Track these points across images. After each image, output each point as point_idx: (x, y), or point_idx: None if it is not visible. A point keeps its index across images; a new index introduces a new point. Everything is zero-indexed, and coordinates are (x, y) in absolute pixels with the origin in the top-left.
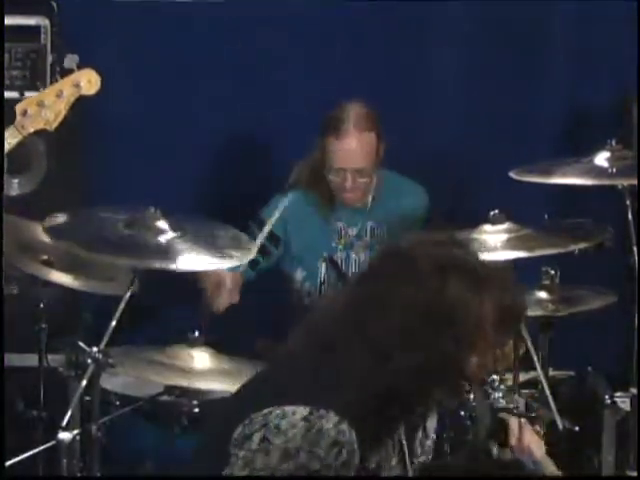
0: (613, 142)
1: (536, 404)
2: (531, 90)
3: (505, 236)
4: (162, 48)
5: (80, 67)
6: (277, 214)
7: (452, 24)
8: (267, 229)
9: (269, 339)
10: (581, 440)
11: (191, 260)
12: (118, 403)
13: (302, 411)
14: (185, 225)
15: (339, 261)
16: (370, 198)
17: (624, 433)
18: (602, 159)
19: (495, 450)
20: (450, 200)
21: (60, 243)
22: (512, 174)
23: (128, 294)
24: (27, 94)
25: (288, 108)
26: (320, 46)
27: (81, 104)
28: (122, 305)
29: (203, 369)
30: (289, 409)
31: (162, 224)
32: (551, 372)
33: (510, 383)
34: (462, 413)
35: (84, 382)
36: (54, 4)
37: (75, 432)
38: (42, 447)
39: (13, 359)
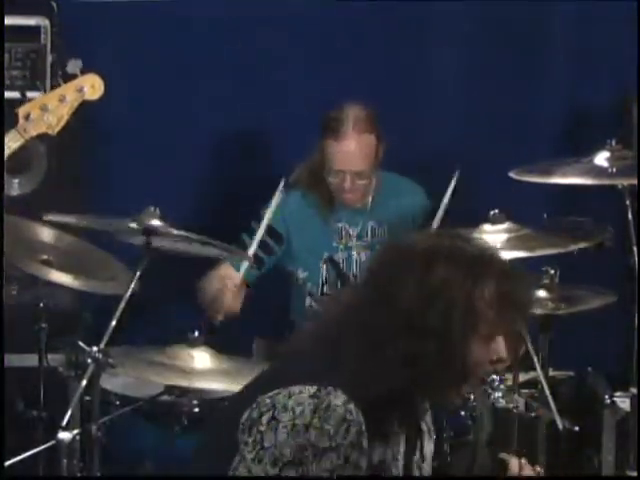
0: (613, 142)
1: (536, 404)
2: (531, 90)
3: (505, 236)
4: (162, 48)
5: (81, 68)
6: (274, 207)
7: (452, 24)
8: (265, 222)
9: (269, 339)
10: (581, 440)
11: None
12: (118, 403)
13: (310, 389)
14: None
15: (340, 261)
16: (370, 198)
17: (624, 433)
18: (602, 159)
19: None
20: (450, 200)
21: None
22: (512, 174)
23: (128, 294)
24: (32, 94)
25: (288, 108)
26: (320, 46)
27: (81, 104)
28: (122, 305)
29: (203, 369)
30: (296, 388)
31: None
32: (551, 372)
33: (510, 383)
34: (462, 413)
35: (84, 382)
36: (54, 4)
37: (75, 432)
38: (42, 447)
39: (13, 359)
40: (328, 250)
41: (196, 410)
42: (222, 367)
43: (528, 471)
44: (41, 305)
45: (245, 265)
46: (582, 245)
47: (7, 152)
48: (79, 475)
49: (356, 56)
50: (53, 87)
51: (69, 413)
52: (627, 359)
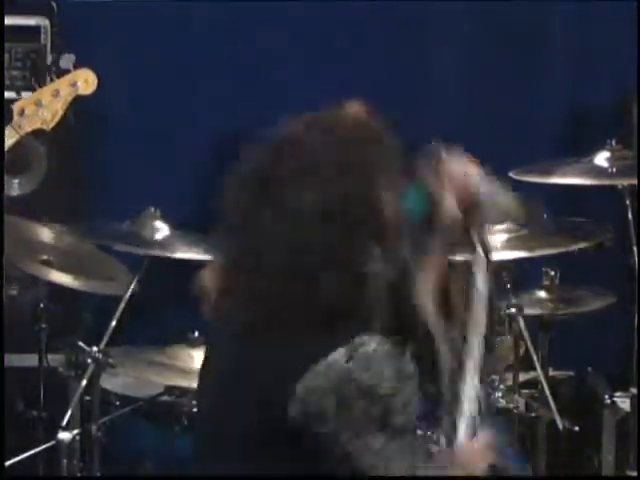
0: (613, 142)
1: (536, 404)
2: (531, 90)
3: (505, 236)
4: (162, 48)
5: (79, 67)
6: None
7: (452, 24)
8: None
9: None
10: (581, 440)
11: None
12: (118, 403)
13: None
14: None
15: None
16: None
17: (624, 433)
18: (602, 159)
19: None
20: None
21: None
22: (512, 174)
23: (128, 294)
24: (27, 94)
25: (288, 108)
26: (320, 46)
27: (81, 104)
28: (122, 305)
29: None
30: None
31: None
32: (551, 372)
33: (510, 383)
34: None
35: (84, 382)
36: (54, 4)
37: (75, 432)
38: (42, 447)
39: (13, 359)
40: None
41: (196, 410)
42: None
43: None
44: (41, 305)
45: None
46: (582, 245)
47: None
48: (79, 475)
49: (356, 56)
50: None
51: (69, 413)
52: (627, 359)
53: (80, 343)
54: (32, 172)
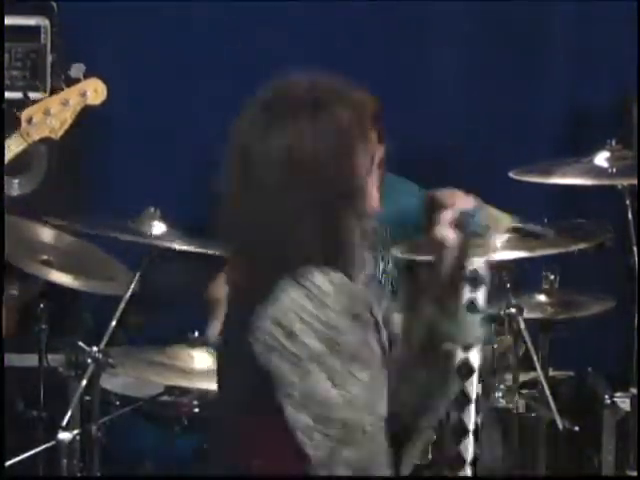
0: (613, 142)
1: (536, 404)
2: (531, 90)
3: (505, 236)
4: (162, 48)
5: (84, 72)
6: None
7: (452, 24)
8: None
9: None
10: (581, 440)
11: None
12: (118, 403)
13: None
14: None
15: None
16: None
17: (624, 433)
18: (602, 159)
19: None
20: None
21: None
22: (512, 174)
23: (128, 294)
24: (32, 95)
25: None
26: (320, 46)
27: (83, 108)
28: (122, 305)
29: (203, 369)
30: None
31: None
32: (551, 372)
33: (510, 383)
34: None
35: (84, 382)
36: (54, 4)
37: (75, 432)
38: (42, 447)
39: (13, 359)
40: None
41: (196, 410)
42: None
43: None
44: (41, 305)
45: None
46: (582, 246)
47: (9, 155)
48: (79, 475)
49: (356, 56)
50: (55, 90)
51: (69, 413)
52: (627, 359)
53: (80, 343)
54: (32, 172)
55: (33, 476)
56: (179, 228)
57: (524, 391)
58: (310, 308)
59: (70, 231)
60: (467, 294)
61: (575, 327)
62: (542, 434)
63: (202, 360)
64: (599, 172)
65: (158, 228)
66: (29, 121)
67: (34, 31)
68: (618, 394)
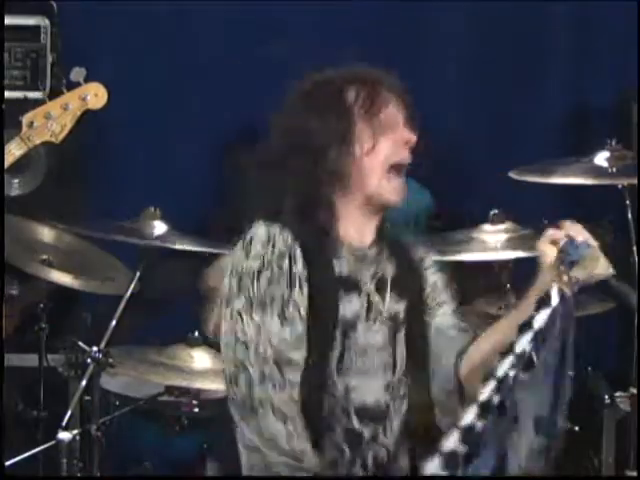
0: (613, 142)
1: None
2: (531, 90)
3: (505, 236)
4: (162, 48)
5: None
6: None
7: (452, 24)
8: None
9: None
10: (581, 440)
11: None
12: (118, 403)
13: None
14: None
15: None
16: None
17: (624, 433)
18: (602, 159)
19: None
20: (450, 200)
21: None
22: (512, 174)
23: (128, 294)
24: (32, 94)
25: None
26: (320, 46)
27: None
28: (122, 305)
29: (203, 369)
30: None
31: None
32: None
33: None
34: None
35: (84, 382)
36: (54, 4)
37: (75, 432)
38: (42, 447)
39: (13, 359)
40: None
41: (196, 410)
42: (222, 367)
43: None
44: (41, 305)
45: None
46: None
47: (10, 160)
48: (79, 475)
49: (356, 56)
50: (55, 93)
51: (69, 413)
52: (627, 359)
53: (80, 343)
54: (31, 172)
55: (33, 476)
56: (179, 228)
57: None
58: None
59: (70, 231)
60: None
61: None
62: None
63: (202, 360)
64: (599, 172)
65: (158, 228)
66: (30, 125)
67: (34, 31)
68: (618, 394)
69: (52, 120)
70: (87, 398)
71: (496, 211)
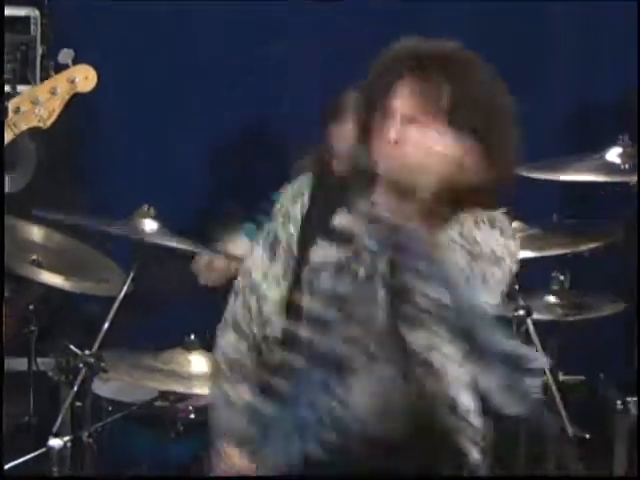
0: (626, 137)
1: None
2: (541, 85)
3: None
4: (160, 46)
5: (74, 61)
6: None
7: (452, 24)
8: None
9: None
10: (592, 447)
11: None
12: (110, 409)
13: None
14: None
15: None
16: None
17: (636, 439)
18: (614, 155)
19: None
20: None
21: None
22: (522, 171)
23: (122, 295)
24: (18, 87)
25: (288, 108)
26: (320, 46)
27: (75, 100)
28: (115, 307)
29: (200, 374)
30: None
31: None
32: (561, 377)
33: None
34: None
35: (75, 387)
36: None
37: (66, 439)
38: (32, 454)
39: None
40: None
41: (192, 416)
42: None
43: None
44: (30, 307)
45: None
46: (593, 245)
47: None
48: None
49: (356, 56)
50: (44, 79)
51: (60, 419)
52: (638, 364)
53: (71, 346)
54: (21, 169)
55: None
56: (173, 227)
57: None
58: None
59: (61, 230)
60: None
61: (585, 329)
62: (551, 441)
63: (199, 364)
64: (611, 168)
65: (151, 226)
66: (16, 111)
67: (24, 22)
68: (629, 399)
69: (39, 105)
70: (78, 404)
71: (504, 210)
